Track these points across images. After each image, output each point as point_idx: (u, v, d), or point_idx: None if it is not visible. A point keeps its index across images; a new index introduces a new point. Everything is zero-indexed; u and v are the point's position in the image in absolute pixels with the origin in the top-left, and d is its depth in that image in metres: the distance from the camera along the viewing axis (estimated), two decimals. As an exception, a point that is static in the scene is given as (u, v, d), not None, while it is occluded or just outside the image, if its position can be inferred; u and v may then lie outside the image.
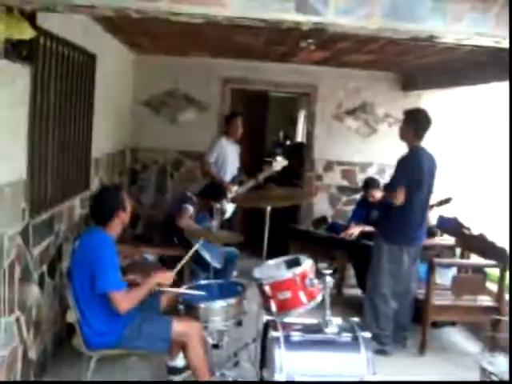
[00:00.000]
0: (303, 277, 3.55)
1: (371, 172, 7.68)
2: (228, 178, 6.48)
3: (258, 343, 4.24)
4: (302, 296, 3.54)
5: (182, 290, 3.77)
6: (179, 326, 3.45)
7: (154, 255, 4.83)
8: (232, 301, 3.60)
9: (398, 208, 4.69)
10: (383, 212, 5.07)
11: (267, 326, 3.54)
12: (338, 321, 3.51)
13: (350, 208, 7.68)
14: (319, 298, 3.63)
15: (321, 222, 7.72)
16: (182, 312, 3.65)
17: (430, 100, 7.38)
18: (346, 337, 3.39)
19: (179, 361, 3.88)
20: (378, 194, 6.32)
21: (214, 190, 5.38)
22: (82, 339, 3.40)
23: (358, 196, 7.65)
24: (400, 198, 4.64)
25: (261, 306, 3.78)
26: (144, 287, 3.44)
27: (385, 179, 7.31)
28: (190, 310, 3.63)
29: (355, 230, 6.35)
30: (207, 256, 4.86)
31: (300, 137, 14.65)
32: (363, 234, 6.41)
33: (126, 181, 7.37)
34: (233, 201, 5.08)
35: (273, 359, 3.29)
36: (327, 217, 7.76)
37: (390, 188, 4.77)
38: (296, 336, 3.36)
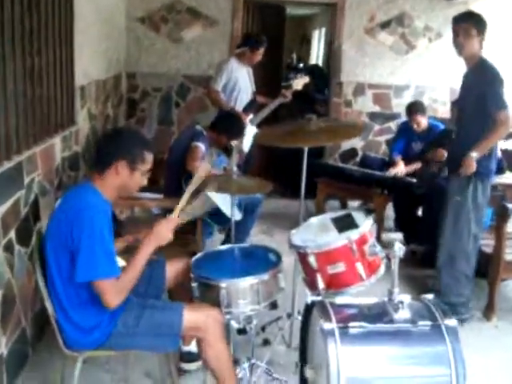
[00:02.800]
0: (362, 243, 2.58)
1: (408, 96, 6.62)
2: (241, 106, 5.46)
3: (294, 319, 3.36)
4: (360, 269, 2.59)
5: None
6: (192, 316, 2.52)
7: (159, 207, 3.85)
8: (264, 276, 2.64)
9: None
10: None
11: (310, 309, 2.61)
12: (405, 298, 2.56)
13: (383, 138, 6.67)
14: (381, 270, 2.69)
15: (350, 155, 6.73)
16: (195, 293, 2.70)
17: (478, 9, 6.17)
18: (424, 326, 2.45)
19: (194, 345, 2.99)
20: (424, 121, 5.41)
21: (230, 123, 4.30)
22: (60, 337, 2.48)
23: (391, 124, 6.62)
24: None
25: (301, 281, 2.86)
26: (139, 258, 2.45)
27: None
28: (206, 290, 2.67)
29: (401, 169, 5.38)
30: (222, 205, 3.89)
31: (314, 59, 13.53)
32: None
33: (123, 112, 6.33)
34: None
35: (323, 357, 2.37)
36: (357, 149, 6.76)
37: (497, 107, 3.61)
38: (356, 327, 2.42)
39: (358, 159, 6.60)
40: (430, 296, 2.63)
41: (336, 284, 2.62)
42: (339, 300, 2.58)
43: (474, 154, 3.60)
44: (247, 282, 2.61)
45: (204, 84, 6.19)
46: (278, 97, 5.54)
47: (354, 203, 6.29)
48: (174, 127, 6.60)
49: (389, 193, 5.30)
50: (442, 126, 5.50)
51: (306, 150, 3.22)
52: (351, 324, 2.39)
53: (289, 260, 2.92)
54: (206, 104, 6.33)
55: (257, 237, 4.97)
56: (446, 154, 4.77)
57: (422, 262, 4.79)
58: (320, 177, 5.67)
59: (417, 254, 4.96)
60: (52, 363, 3.09)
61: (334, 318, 2.40)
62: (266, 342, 3.44)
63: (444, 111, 6.53)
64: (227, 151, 4.23)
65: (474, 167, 3.63)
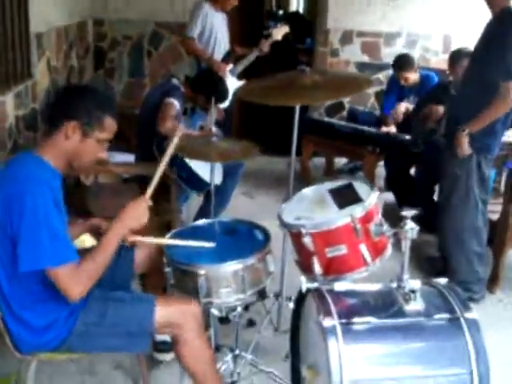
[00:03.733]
0: (367, 221, 2.17)
1: (399, 44, 6.13)
2: (219, 54, 4.96)
3: (282, 301, 2.98)
4: (365, 251, 2.18)
5: (170, 240, 2.38)
6: (166, 311, 2.11)
7: (127, 174, 3.38)
8: (250, 260, 2.22)
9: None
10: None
11: (304, 297, 2.22)
12: (416, 284, 2.18)
13: (372, 90, 6.22)
14: (388, 251, 2.30)
15: (336, 109, 6.28)
16: (169, 279, 2.29)
17: None
18: (440, 319, 2.07)
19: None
20: (412, 77, 5.01)
21: (212, 85, 3.75)
22: (8, 339, 2.06)
23: (381, 76, 6.17)
24: None
25: (294, 263, 2.46)
26: (107, 242, 2.03)
27: (416, 54, 5.87)
28: (182, 277, 2.26)
29: (400, 109, 4.99)
30: (198, 169, 3.45)
31: (295, 5, 12.88)
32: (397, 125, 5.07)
33: (90, 64, 5.77)
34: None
35: (322, 357, 2.00)
36: (344, 102, 6.30)
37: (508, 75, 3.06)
38: (361, 323, 2.03)
39: (344, 113, 6.16)
40: (443, 280, 2.25)
41: (336, 269, 2.22)
42: (338, 286, 2.18)
43: (466, 131, 3.15)
44: (230, 268, 2.20)
45: (178, 31, 5.65)
46: (256, 46, 5.03)
47: (340, 160, 5.89)
48: (146, 79, 6.07)
49: (381, 151, 4.91)
50: (436, 78, 5.08)
51: (297, 106, 2.77)
52: (355, 319, 2.01)
53: (276, 231, 2.49)
54: (180, 53, 5.80)
55: (237, 199, 4.54)
56: (442, 110, 4.36)
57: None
58: (305, 133, 5.24)
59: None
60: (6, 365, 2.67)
61: (334, 312, 2.02)
62: (251, 323, 3.07)
63: (437, 62, 6.07)
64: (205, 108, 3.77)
65: (466, 147, 3.21)
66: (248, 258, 2.22)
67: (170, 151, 2.30)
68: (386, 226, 2.20)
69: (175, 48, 5.94)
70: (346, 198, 2.27)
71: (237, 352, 2.59)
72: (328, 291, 2.15)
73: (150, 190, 2.19)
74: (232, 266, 2.19)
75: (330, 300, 2.10)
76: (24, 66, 3.64)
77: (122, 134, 5.31)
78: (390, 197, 4.92)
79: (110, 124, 2.03)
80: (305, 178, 5.38)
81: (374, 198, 2.21)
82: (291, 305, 2.43)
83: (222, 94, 3.74)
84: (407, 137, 4.75)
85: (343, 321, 2.00)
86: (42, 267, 1.88)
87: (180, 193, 3.81)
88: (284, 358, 2.79)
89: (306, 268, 2.31)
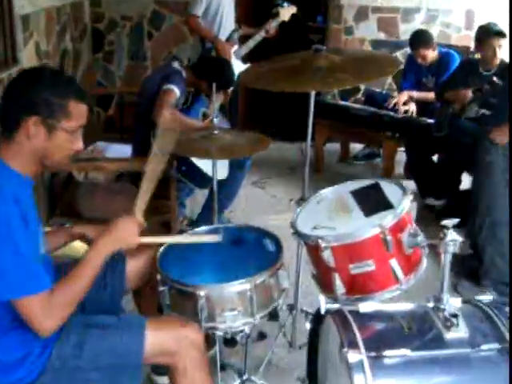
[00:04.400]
0: (398, 230, 1.81)
1: (418, 21, 5.70)
2: (224, 34, 4.57)
3: (297, 314, 2.63)
4: (396, 267, 1.83)
5: (173, 238, 2.03)
6: (159, 338, 1.77)
7: (121, 170, 3.02)
8: (260, 278, 1.87)
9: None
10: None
11: (323, 318, 1.88)
12: (456, 303, 1.83)
13: (389, 70, 5.78)
14: (423, 265, 1.94)
15: (351, 91, 5.88)
16: (164, 299, 1.95)
17: None
18: (489, 350, 1.71)
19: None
20: (430, 54, 4.66)
21: (216, 70, 3.37)
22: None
23: (398, 54, 5.76)
24: None
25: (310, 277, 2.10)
26: (88, 264, 1.70)
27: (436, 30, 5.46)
28: (180, 298, 1.91)
29: (402, 97, 4.63)
30: (201, 164, 3.10)
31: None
32: (419, 107, 4.68)
33: (86, 47, 5.40)
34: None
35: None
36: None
37: None
38: (394, 357, 1.68)
39: (360, 96, 5.77)
40: (486, 297, 1.90)
41: (361, 288, 1.86)
42: (364, 307, 1.84)
43: None
44: (236, 288, 1.85)
45: (181, 10, 5.26)
46: (262, 26, 4.64)
47: (356, 146, 5.50)
48: (147, 62, 5.69)
49: (401, 136, 4.53)
50: (456, 56, 4.69)
51: (313, 93, 2.40)
52: (387, 352, 1.66)
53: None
54: (183, 34, 5.42)
55: (246, 190, 4.19)
56: (469, 94, 3.98)
57: (440, 219, 4.05)
58: (318, 117, 4.84)
59: (434, 208, 4.23)
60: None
61: (360, 342, 1.68)
62: (262, 336, 2.73)
63: (459, 38, 5.66)
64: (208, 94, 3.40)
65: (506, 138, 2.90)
66: (257, 275, 1.86)
67: (160, 141, 1.96)
68: (420, 237, 1.83)
69: (178, 28, 5.55)
70: (372, 202, 1.91)
71: (245, 377, 2.26)
72: (352, 314, 1.81)
73: (139, 206, 1.87)
74: (238, 286, 1.84)
75: (354, 326, 1.76)
76: (8, 50, 3.29)
77: (121, 123, 5.00)
78: (410, 185, 4.55)
79: (77, 108, 1.67)
80: (318, 166, 5.03)
81: (407, 203, 1.84)
82: (308, 325, 2.09)
83: (227, 79, 3.38)
84: (430, 121, 4.38)
85: (372, 354, 1.65)
86: (4, 299, 1.55)
87: (182, 186, 3.47)
88: (297, 379, 2.46)
89: (325, 285, 1.97)
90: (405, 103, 4.69)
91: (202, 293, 1.82)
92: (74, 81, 1.78)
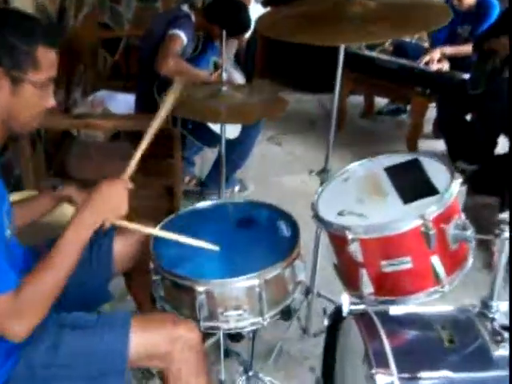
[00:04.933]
0: (444, 222, 1.47)
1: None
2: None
3: (313, 298, 2.34)
4: (438, 264, 1.49)
5: (161, 232, 1.70)
6: (148, 339, 1.47)
7: (118, 129, 2.66)
8: (272, 271, 1.55)
9: None
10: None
11: (341, 319, 1.58)
12: (503, 307, 1.51)
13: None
14: (468, 263, 1.60)
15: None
16: (158, 291, 1.64)
17: None
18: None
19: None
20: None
21: (231, 14, 2.97)
22: None
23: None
24: None
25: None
26: (64, 248, 1.38)
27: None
28: (175, 291, 1.60)
29: (435, 54, 4.19)
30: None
31: None
32: (453, 62, 4.24)
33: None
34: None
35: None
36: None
37: None
38: (431, 378, 1.37)
39: (388, 46, 5.30)
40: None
41: (394, 288, 1.54)
42: (395, 310, 1.53)
43: None
44: (242, 284, 1.53)
45: None
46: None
47: (381, 101, 5.09)
48: (158, 3, 5.23)
49: (432, 92, 4.12)
50: (497, 5, 4.21)
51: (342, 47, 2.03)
52: (424, 374, 1.35)
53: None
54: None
55: (261, 146, 3.84)
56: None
57: (472, 186, 3.69)
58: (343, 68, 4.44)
59: (465, 173, 3.86)
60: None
61: (391, 361, 1.37)
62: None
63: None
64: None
65: None
66: (268, 268, 1.54)
67: (167, 105, 1.63)
68: (470, 231, 1.49)
69: (193, -35, 5.09)
70: (412, 184, 1.56)
71: (251, 373, 1.98)
72: (380, 317, 1.50)
73: (130, 167, 1.55)
74: (245, 282, 1.52)
75: (382, 333, 1.46)
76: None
77: (129, 69, 4.61)
78: (439, 146, 4.19)
79: (46, 56, 1.34)
80: (340, 121, 4.64)
81: (455, 188, 1.50)
82: (326, 321, 1.80)
83: (241, 24, 2.99)
84: (465, 76, 3.96)
85: (405, 375, 1.35)
86: None
87: (189, 143, 3.14)
88: (310, 369, 2.21)
89: (348, 280, 1.65)
90: (438, 61, 4.26)
91: (200, 288, 1.51)
92: (39, 22, 1.43)
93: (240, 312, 1.56)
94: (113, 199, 1.46)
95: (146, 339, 1.48)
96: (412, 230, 1.43)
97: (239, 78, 3.13)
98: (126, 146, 2.40)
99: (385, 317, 1.54)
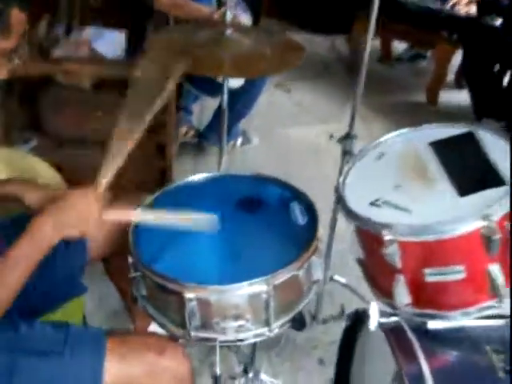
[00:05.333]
0: (507, 221, 1.13)
1: None
2: None
3: (326, 282, 2.03)
4: (497, 275, 1.16)
5: (151, 213, 1.35)
6: (123, 368, 1.16)
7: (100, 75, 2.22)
8: (284, 275, 1.19)
9: None
10: None
11: (362, 323, 1.27)
12: None
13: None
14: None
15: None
16: (139, 292, 1.30)
17: None
18: None
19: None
20: None
21: None
22: None
23: None
24: None
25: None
26: (18, 258, 1.08)
27: None
28: (160, 294, 1.26)
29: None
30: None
31: None
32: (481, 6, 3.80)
33: None
34: None
35: None
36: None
37: None
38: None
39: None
40: None
41: (438, 301, 1.21)
42: (434, 324, 1.22)
43: None
44: (244, 291, 1.19)
45: None
46: None
47: (400, 45, 4.66)
48: None
49: (459, 38, 3.70)
50: None
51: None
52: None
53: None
54: None
55: (268, 93, 3.44)
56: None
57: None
58: (358, 8, 4.00)
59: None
60: None
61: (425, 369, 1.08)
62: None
63: None
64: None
65: None
66: (279, 271, 1.20)
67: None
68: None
69: None
70: (469, 169, 1.20)
71: (250, 375, 1.68)
72: (417, 334, 1.20)
73: (106, 173, 1.21)
74: (249, 288, 1.19)
75: (421, 355, 1.16)
76: None
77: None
78: (462, 97, 3.82)
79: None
80: (354, 65, 4.23)
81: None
82: (344, 323, 1.49)
83: None
84: (497, 22, 3.53)
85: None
86: None
87: (186, 91, 2.76)
88: (318, 361, 1.93)
89: (379, 285, 1.31)
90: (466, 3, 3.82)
91: (190, 295, 1.18)
92: None
93: (241, 323, 1.23)
94: (82, 214, 1.14)
95: (123, 370, 1.17)
96: (470, 234, 1.08)
97: (245, 17, 2.73)
98: (111, 97, 2.01)
99: (422, 332, 1.23)
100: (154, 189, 2.23)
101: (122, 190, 1.91)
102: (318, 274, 1.32)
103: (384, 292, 1.28)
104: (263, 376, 1.71)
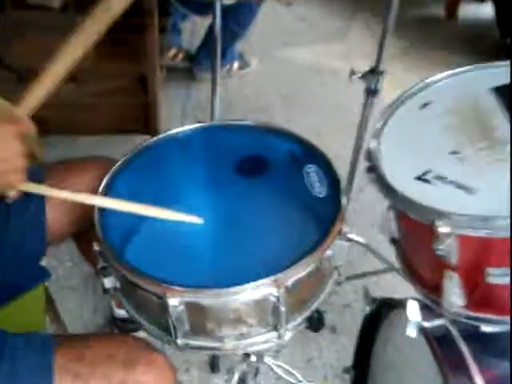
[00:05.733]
0: None
1: None
2: None
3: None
4: None
5: (106, 200, 1.02)
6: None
7: None
8: (298, 272, 0.88)
9: None
10: None
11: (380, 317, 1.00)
12: None
13: None
14: None
15: None
16: (112, 284, 1.01)
17: None
18: None
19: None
20: None
21: None
22: None
23: None
24: None
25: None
26: None
27: None
28: (135, 291, 0.97)
29: None
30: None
31: None
32: None
33: None
34: None
35: None
36: None
37: None
38: None
39: None
40: None
41: (500, 306, 0.92)
42: (487, 328, 0.95)
43: None
44: (248, 296, 0.90)
45: None
46: None
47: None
48: None
49: None
50: None
51: None
52: None
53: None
54: None
55: (264, 8, 3.00)
56: None
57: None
58: None
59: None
60: None
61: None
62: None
63: None
64: None
65: None
66: (292, 268, 0.90)
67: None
68: None
69: None
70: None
71: (253, 359, 1.41)
72: (468, 340, 0.93)
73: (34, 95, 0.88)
74: (253, 292, 0.89)
75: (473, 367, 0.92)
76: None
77: None
78: (485, 12, 3.43)
79: None
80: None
81: None
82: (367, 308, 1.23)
83: None
84: None
85: None
86: None
87: (174, 8, 2.38)
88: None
89: (423, 279, 1.01)
90: None
91: (175, 301, 0.88)
92: None
93: (243, 331, 0.95)
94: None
95: None
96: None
97: None
98: (76, 21, 1.64)
99: (474, 340, 0.96)
100: (135, 128, 1.91)
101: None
102: (340, 258, 1.02)
103: (429, 287, 0.99)
104: (267, 359, 1.46)
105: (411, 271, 1.03)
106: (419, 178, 0.88)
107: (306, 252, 0.91)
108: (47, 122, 1.83)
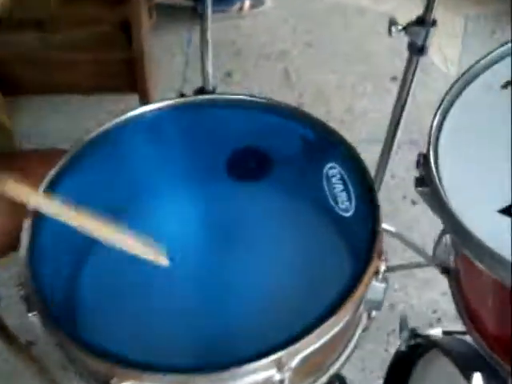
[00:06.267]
0: None
1: None
2: None
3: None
4: None
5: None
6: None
7: None
8: (316, 339, 0.58)
9: None
10: None
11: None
12: None
13: None
14: None
15: None
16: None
17: None
18: None
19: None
20: None
21: None
22: None
23: None
24: None
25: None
26: None
27: None
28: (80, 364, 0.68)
29: None
30: None
31: None
32: None
33: None
34: None
35: None
36: None
37: None
38: None
39: None
40: None
41: None
42: None
43: None
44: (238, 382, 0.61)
45: None
46: None
47: None
48: None
49: None
50: None
51: None
52: None
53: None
54: None
55: None
56: None
57: None
58: None
59: None
60: None
61: None
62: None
63: None
64: None
65: None
66: (301, 341, 0.59)
67: None
68: None
69: None
70: None
71: None
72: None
73: None
74: (250, 376, 0.59)
75: None
76: None
77: None
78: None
79: None
80: None
81: None
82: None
83: None
84: None
85: None
86: None
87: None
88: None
89: (490, 338, 0.71)
90: None
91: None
92: None
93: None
94: None
95: None
96: None
97: None
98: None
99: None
100: (118, 89, 1.60)
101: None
102: (374, 303, 0.72)
103: (491, 341, 0.68)
104: None
105: (470, 316, 0.72)
106: (504, 211, 0.56)
107: (323, 316, 0.60)
108: (13, 79, 1.52)
